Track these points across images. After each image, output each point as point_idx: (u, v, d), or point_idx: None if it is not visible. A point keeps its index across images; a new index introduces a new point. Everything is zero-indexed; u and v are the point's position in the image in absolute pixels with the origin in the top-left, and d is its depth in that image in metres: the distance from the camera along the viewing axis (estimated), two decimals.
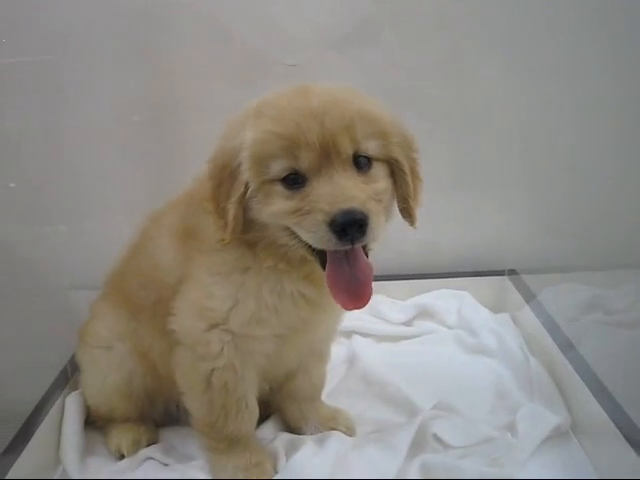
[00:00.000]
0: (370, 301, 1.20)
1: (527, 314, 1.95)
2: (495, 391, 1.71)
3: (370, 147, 1.19)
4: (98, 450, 1.58)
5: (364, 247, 1.20)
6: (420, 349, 1.95)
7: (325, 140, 1.14)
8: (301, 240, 1.18)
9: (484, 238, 2.19)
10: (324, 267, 1.20)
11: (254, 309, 1.28)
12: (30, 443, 1.45)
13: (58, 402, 1.62)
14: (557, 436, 1.53)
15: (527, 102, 2.01)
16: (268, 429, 1.57)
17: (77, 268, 1.97)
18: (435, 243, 2.16)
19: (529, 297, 2.00)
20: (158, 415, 1.62)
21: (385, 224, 1.21)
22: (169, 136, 2.02)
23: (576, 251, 1.88)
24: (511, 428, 1.53)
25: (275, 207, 1.18)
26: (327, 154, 1.14)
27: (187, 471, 1.44)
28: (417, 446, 1.47)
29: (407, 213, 1.29)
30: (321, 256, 1.20)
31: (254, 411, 1.42)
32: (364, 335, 2.00)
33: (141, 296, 1.46)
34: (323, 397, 1.64)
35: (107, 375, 1.54)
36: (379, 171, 1.22)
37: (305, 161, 1.15)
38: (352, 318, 1.94)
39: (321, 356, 1.56)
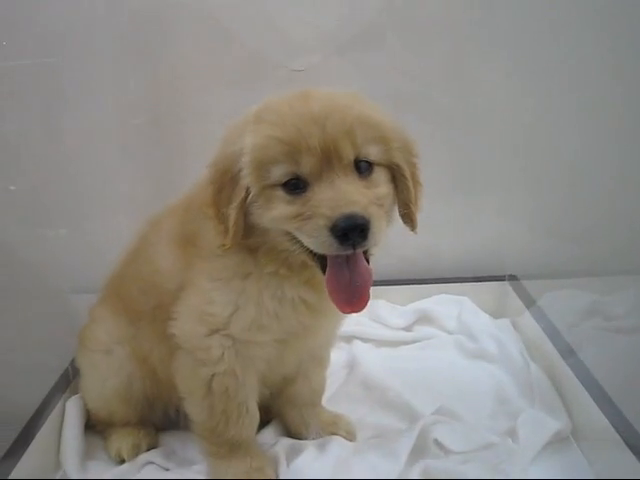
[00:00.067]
0: (368, 306, 1.20)
1: (527, 319, 1.95)
2: (495, 396, 1.71)
3: (371, 152, 1.19)
4: (98, 454, 1.57)
5: (365, 253, 1.20)
6: (420, 354, 1.95)
7: (326, 145, 1.14)
8: (302, 245, 1.18)
9: (484, 243, 2.18)
10: (325, 272, 1.19)
11: (255, 315, 1.28)
12: (30, 447, 1.45)
13: (59, 406, 1.61)
14: (558, 442, 1.52)
15: (528, 106, 2.00)
16: (269, 434, 1.57)
17: (77, 271, 1.96)
18: (435, 248, 2.16)
19: (529, 303, 2.00)
20: (158, 419, 1.62)
21: (386, 229, 1.21)
22: (169, 137, 2.02)
23: (576, 257, 1.88)
24: (512, 433, 1.53)
25: (276, 212, 1.17)
26: (328, 159, 1.14)
27: (188, 475, 1.44)
28: (418, 451, 1.46)
29: (408, 218, 1.29)
30: (322, 261, 1.20)
31: (255, 416, 1.41)
32: (364, 340, 2.00)
33: (141, 301, 1.46)
34: (323, 402, 1.64)
35: (106, 379, 1.53)
36: (380, 176, 1.22)
37: (306, 166, 1.15)
38: (352, 323, 1.95)
39: (321, 361, 1.56)
